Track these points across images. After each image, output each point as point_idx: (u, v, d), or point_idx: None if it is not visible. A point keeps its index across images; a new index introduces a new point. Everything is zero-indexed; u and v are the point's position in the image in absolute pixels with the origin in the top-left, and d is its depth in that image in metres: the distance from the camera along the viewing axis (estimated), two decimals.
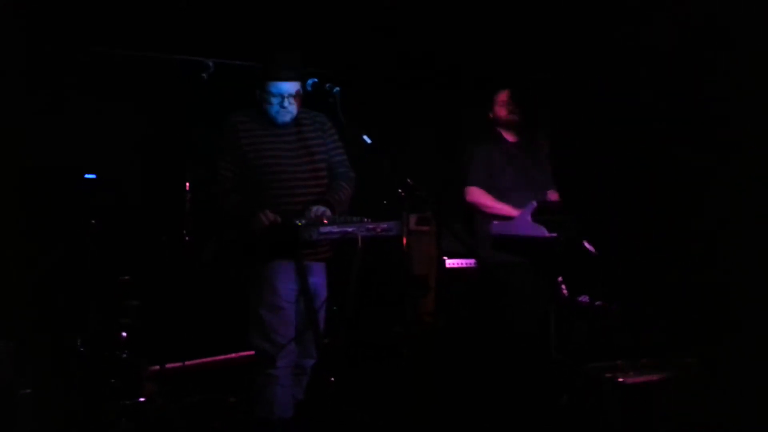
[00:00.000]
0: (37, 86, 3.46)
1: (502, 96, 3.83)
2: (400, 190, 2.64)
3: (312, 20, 4.01)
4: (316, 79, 2.81)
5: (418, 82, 4.71)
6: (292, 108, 2.87)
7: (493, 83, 3.96)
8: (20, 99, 3.34)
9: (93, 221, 3.22)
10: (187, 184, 3.58)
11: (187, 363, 3.60)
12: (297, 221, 2.65)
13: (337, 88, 2.72)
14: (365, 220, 2.72)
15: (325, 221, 2.70)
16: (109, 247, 3.45)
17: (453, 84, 4.75)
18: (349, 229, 2.66)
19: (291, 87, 2.84)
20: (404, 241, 2.66)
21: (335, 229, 2.65)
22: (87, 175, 3.41)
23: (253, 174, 2.85)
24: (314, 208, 2.79)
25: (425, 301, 4.44)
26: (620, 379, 2.89)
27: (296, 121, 2.93)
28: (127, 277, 3.38)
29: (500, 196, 3.71)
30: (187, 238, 3.58)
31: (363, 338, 4.00)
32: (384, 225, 2.71)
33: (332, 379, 3.05)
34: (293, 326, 2.87)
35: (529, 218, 3.33)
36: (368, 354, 4.03)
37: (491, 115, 3.87)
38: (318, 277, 2.94)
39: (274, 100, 2.85)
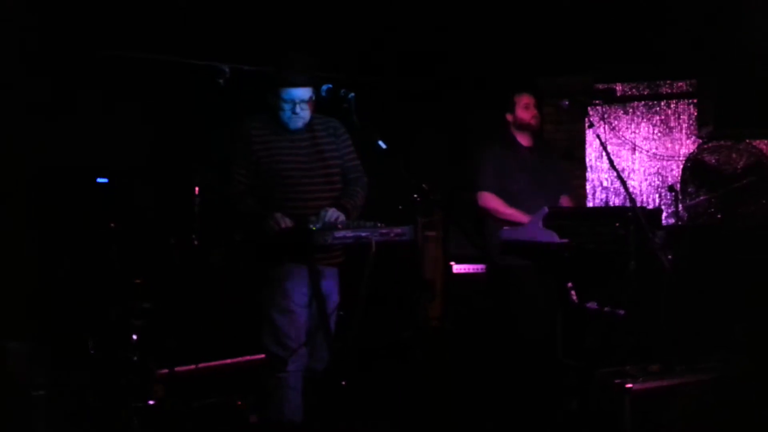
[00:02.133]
0: (53, 88, 3.48)
1: (526, 99, 3.81)
2: (415, 195, 2.65)
3: (324, 26, 4.02)
4: (330, 85, 2.82)
5: (425, 85, 4.73)
6: (304, 114, 2.88)
7: (504, 85, 3.96)
8: (36, 101, 3.35)
9: (112, 224, 3.22)
10: (197, 188, 3.59)
11: (196, 366, 3.60)
12: (311, 225, 2.66)
13: (352, 94, 2.72)
14: (379, 225, 2.72)
15: (339, 226, 2.70)
16: (121, 250, 3.46)
17: (459, 85, 4.76)
18: (363, 234, 2.65)
19: (303, 93, 2.85)
20: (418, 246, 2.67)
21: (350, 233, 2.65)
22: (99, 179, 3.43)
23: (267, 179, 2.85)
24: (330, 212, 2.79)
25: (432, 306, 4.45)
26: (629, 385, 2.89)
27: (309, 126, 2.93)
28: (138, 280, 3.39)
29: (512, 201, 3.71)
30: (195, 242, 3.59)
31: (372, 343, 4.01)
32: (398, 230, 2.71)
33: (343, 383, 3.06)
34: (305, 330, 2.88)
35: (540, 224, 3.33)
36: (378, 358, 4.03)
37: (510, 117, 3.85)
38: (330, 282, 2.94)
39: (286, 106, 2.85)
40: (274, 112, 2.90)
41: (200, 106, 3.69)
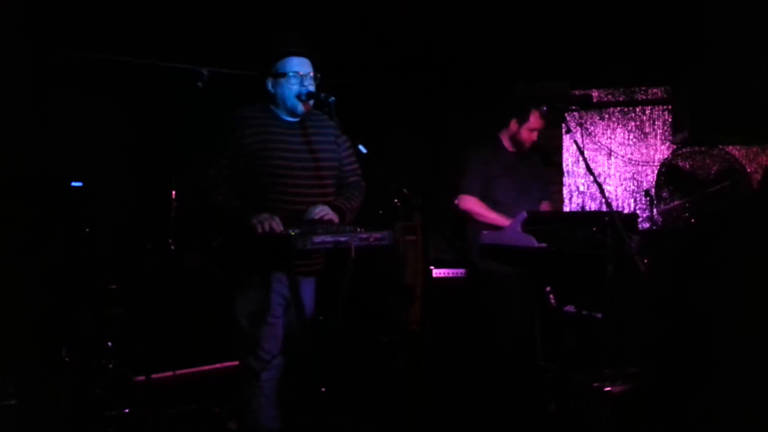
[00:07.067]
0: (30, 91, 3.42)
1: (539, 122, 3.77)
2: (395, 200, 2.63)
3: (302, 29, 4.01)
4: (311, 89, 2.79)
5: (403, 88, 4.73)
6: (312, 89, 2.74)
7: (483, 89, 3.97)
8: (10, 103, 3.29)
9: (87, 229, 3.17)
10: (174, 192, 3.55)
11: (173, 373, 3.55)
12: (290, 231, 2.59)
13: (332, 98, 2.68)
14: (358, 229, 2.69)
15: (321, 225, 2.64)
16: (95, 255, 3.40)
17: (437, 89, 4.77)
18: (343, 239, 2.60)
19: (306, 65, 2.75)
20: (399, 250, 2.66)
21: (329, 238, 2.59)
22: (73, 183, 3.37)
23: (256, 169, 2.70)
24: (317, 209, 2.69)
25: (411, 310, 4.45)
26: (608, 388, 2.92)
27: (304, 122, 2.80)
28: (113, 286, 3.34)
29: (495, 206, 3.72)
30: (172, 247, 3.54)
31: (351, 348, 3.99)
32: (377, 235, 2.67)
33: (323, 389, 3.04)
34: (280, 340, 2.78)
35: (519, 228, 3.35)
36: (358, 363, 4.01)
37: (514, 126, 3.80)
38: (307, 293, 2.85)
39: (294, 80, 2.71)
40: (272, 102, 2.77)
41: (178, 109, 3.65)
